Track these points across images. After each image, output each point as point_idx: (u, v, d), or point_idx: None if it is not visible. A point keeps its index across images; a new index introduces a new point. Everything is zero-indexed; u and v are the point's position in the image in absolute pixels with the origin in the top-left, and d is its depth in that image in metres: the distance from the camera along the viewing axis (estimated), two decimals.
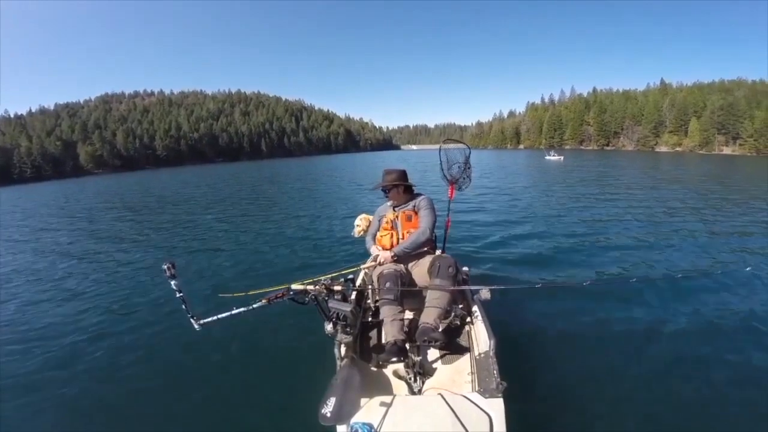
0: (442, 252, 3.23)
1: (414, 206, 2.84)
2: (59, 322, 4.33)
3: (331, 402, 1.66)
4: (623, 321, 3.64)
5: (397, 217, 2.84)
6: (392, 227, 2.82)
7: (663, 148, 73.87)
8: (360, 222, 3.46)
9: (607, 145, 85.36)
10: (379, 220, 2.97)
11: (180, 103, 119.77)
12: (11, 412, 2.82)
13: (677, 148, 71.67)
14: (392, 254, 2.64)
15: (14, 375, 3.28)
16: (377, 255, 2.72)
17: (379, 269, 2.60)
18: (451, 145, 3.63)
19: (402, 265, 2.63)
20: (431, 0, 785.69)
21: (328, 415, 1.62)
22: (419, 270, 2.64)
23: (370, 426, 1.61)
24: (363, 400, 1.76)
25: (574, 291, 4.19)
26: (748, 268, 4.55)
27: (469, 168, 3.49)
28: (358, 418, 1.67)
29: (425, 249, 2.76)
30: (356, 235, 3.46)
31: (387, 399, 1.76)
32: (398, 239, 2.77)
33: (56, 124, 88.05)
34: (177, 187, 24.70)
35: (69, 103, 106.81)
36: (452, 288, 2.39)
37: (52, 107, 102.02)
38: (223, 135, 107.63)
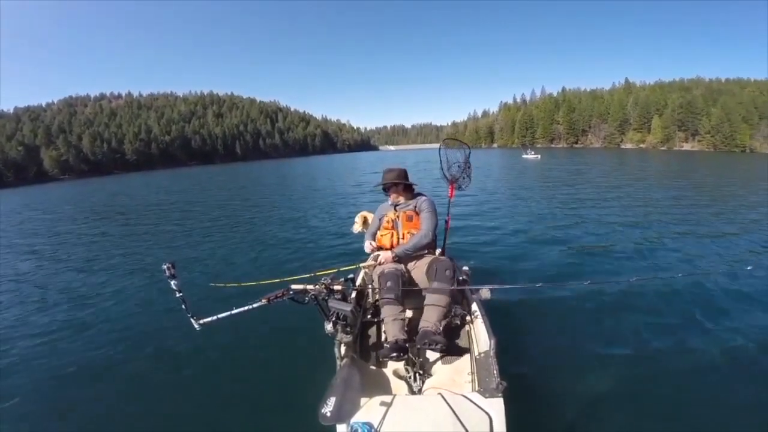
0: (442, 252, 3.25)
1: (415, 207, 2.83)
2: (57, 325, 4.24)
3: (331, 402, 1.66)
4: (624, 320, 3.63)
5: (398, 216, 2.83)
6: (393, 227, 2.82)
7: (628, 145, 76.98)
8: (359, 219, 3.46)
9: (576, 142, 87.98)
10: (380, 219, 2.95)
11: (149, 105, 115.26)
12: (10, 415, 2.78)
13: (641, 145, 74.92)
14: (393, 255, 2.63)
15: (13, 378, 3.24)
16: (377, 254, 2.71)
17: (379, 268, 2.59)
18: (451, 145, 3.62)
19: (402, 265, 2.62)
20: (407, 1, 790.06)
21: (328, 414, 1.61)
22: (418, 271, 2.63)
23: (370, 426, 1.61)
24: (363, 400, 1.75)
25: (574, 290, 4.14)
26: (749, 267, 4.57)
27: (469, 167, 3.49)
28: (358, 417, 1.66)
29: (425, 251, 2.76)
30: (355, 232, 3.46)
31: (387, 399, 1.75)
32: (398, 239, 2.76)
33: (17, 128, 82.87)
34: (153, 191, 23.82)
35: (30, 107, 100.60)
36: (452, 288, 2.39)
37: (11, 111, 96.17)
38: (196, 138, 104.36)
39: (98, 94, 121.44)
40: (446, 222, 3.38)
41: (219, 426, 2.55)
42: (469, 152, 3.51)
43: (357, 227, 3.47)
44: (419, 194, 2.96)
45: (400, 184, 2.90)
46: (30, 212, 17.67)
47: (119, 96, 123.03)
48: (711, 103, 67.39)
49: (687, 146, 68.99)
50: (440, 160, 3.52)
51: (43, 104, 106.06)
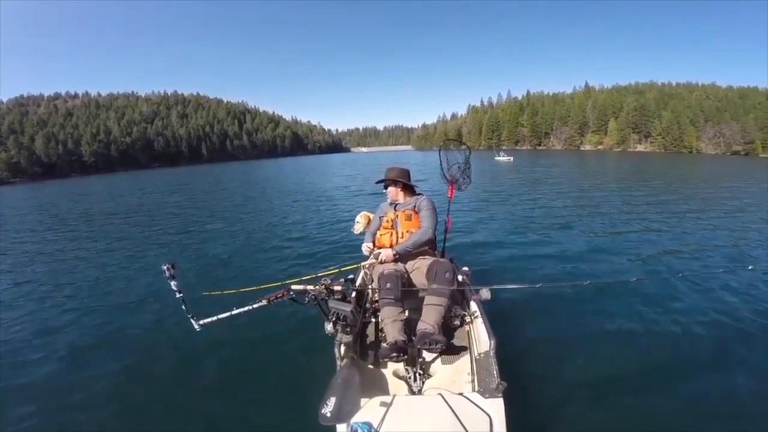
0: (443, 252, 3.29)
1: (414, 206, 2.85)
2: (57, 326, 4.16)
3: (331, 402, 1.66)
4: (624, 321, 3.62)
5: (397, 216, 2.85)
6: (392, 226, 2.83)
7: (587, 147, 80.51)
8: (360, 219, 3.45)
9: (539, 145, 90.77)
10: (380, 219, 2.98)
11: (109, 105, 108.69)
12: (11, 417, 2.73)
13: (599, 147, 78.68)
14: (393, 252, 2.63)
15: (15, 380, 3.20)
16: (378, 253, 2.70)
17: (379, 268, 2.58)
18: (451, 146, 3.66)
19: (402, 265, 2.62)
20: (378, 1, 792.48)
21: (328, 415, 1.62)
22: (418, 272, 2.62)
23: (370, 426, 1.61)
24: (363, 400, 1.76)
25: (574, 291, 4.13)
26: (750, 267, 4.59)
27: (468, 168, 3.51)
28: (358, 418, 1.66)
29: (425, 249, 2.77)
30: (356, 232, 3.45)
31: (387, 399, 1.76)
32: (397, 238, 2.77)
33: None
34: (124, 194, 22.36)
35: None
36: (452, 288, 2.39)
37: None
38: (159, 139, 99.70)
39: (52, 93, 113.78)
40: (446, 223, 3.41)
41: (219, 426, 2.53)
42: (469, 153, 3.56)
43: (359, 227, 3.47)
44: (420, 194, 3.00)
45: (399, 182, 2.95)
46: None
47: (75, 96, 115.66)
48: (662, 106, 71.86)
49: (640, 147, 73.09)
50: (440, 161, 3.56)
51: None
